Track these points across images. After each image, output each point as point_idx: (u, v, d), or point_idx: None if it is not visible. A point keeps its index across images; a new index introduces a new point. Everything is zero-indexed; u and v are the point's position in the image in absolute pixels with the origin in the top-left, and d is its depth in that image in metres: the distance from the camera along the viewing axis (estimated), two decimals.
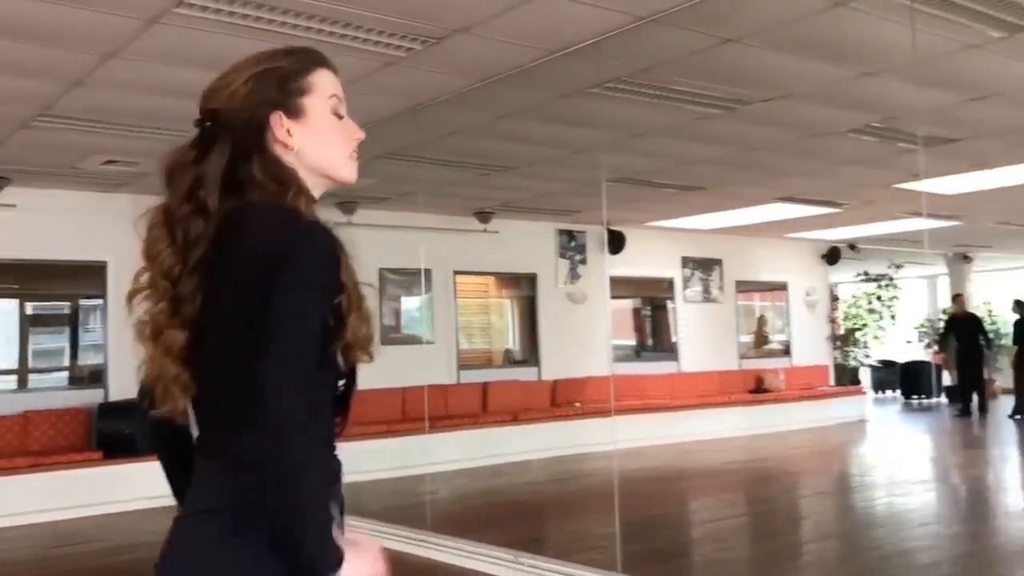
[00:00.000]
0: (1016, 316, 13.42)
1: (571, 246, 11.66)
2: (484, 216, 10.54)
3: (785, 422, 12.26)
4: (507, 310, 11.90)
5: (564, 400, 10.92)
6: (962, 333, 13.30)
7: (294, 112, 1.45)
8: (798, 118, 6.56)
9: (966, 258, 16.78)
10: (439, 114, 6.04)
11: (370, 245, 9.42)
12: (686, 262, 12.92)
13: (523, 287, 11.57)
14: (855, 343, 15.85)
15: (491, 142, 7.18)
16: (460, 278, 10.94)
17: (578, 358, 11.15)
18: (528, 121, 6.54)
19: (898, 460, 9.85)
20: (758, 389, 12.87)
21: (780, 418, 12.31)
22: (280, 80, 1.44)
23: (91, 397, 8.31)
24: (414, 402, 9.17)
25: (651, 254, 12.34)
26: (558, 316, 11.41)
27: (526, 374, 11.19)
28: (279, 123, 1.44)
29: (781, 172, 8.65)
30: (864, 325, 16.43)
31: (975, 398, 13.07)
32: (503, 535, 5.75)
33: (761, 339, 14.08)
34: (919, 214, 11.37)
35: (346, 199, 8.78)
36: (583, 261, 11.71)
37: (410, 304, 10.66)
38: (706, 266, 13.11)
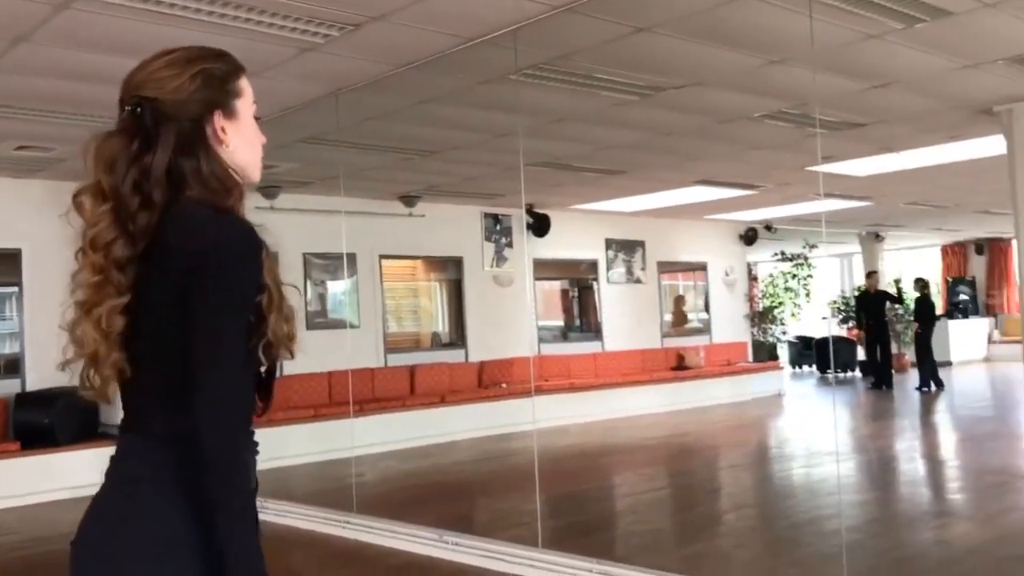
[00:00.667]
0: (917, 294, 14.03)
1: (497, 229, 11.77)
2: (409, 200, 10.57)
3: (705, 398, 12.63)
4: (435, 293, 11.97)
5: (491, 381, 11.06)
6: (873, 309, 13.85)
7: (229, 113, 1.53)
8: (711, 104, 6.76)
9: (878, 237, 17.44)
10: (360, 99, 6.06)
11: (294, 230, 9.47)
12: (610, 244, 13.15)
13: (450, 270, 11.65)
14: (772, 320, 16.34)
15: (412, 127, 7.23)
16: (388, 262, 10.96)
17: (504, 340, 11.29)
18: (449, 106, 6.60)
19: (811, 432, 10.25)
20: (679, 366, 13.21)
21: (701, 394, 12.66)
22: (220, 80, 1.52)
23: (7, 387, 8.13)
24: (340, 386, 9.21)
25: (576, 236, 12.53)
26: (485, 299, 11.53)
27: (453, 356, 11.29)
28: (219, 121, 1.51)
29: (698, 156, 8.88)
30: (781, 303, 16.94)
31: (885, 372, 13.65)
32: (429, 515, 5.87)
33: (680, 318, 14.42)
34: (832, 195, 11.82)
35: (269, 184, 8.73)
36: (509, 244, 11.83)
37: (336, 288, 10.64)
38: (629, 248, 13.37)
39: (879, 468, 7.99)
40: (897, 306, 15.37)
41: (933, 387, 13.16)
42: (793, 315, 17.32)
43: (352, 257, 10.13)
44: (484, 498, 7.36)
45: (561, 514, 5.86)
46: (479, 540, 5.05)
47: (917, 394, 13.09)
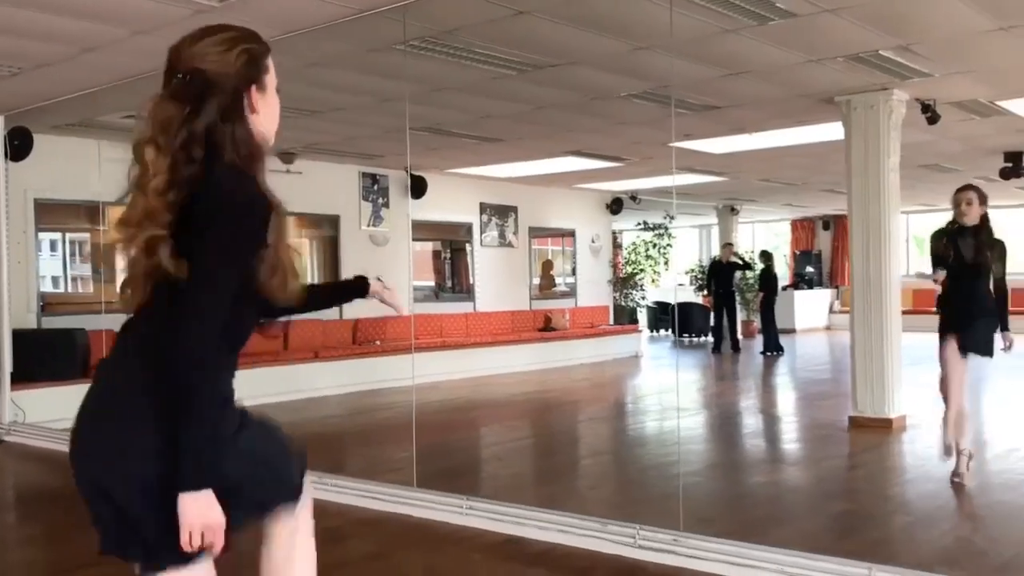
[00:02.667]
0: (761, 265, 15.10)
1: (375, 189, 11.99)
2: (287, 156, 10.65)
3: (570, 357, 13.32)
4: (312, 251, 12.10)
5: (365, 338, 11.35)
6: (723, 278, 14.85)
7: (261, 87, 1.82)
8: (583, 82, 7.23)
9: (733, 210, 18.53)
10: None
11: None
12: (484, 208, 13.57)
13: (326, 228, 11.80)
14: (634, 286, 17.19)
15: (300, 86, 7.38)
16: None
17: None
18: (336, 70, 6.82)
19: (661, 390, 11.05)
20: (546, 328, 13.84)
21: (565, 353, 13.35)
22: (258, 58, 1.82)
23: None
24: None
25: (451, 199, 12.88)
26: (361, 257, 11.75)
27: (328, 313, 11.49)
28: (254, 95, 1.80)
29: (570, 128, 9.37)
30: (642, 270, 17.83)
31: (729, 337, 14.69)
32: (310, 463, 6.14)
33: (549, 282, 15.04)
34: (694, 170, 12.59)
35: None
36: (386, 204, 12.07)
37: None
38: (502, 212, 13.83)
39: (719, 422, 8.78)
40: (748, 274, 16.49)
41: (775, 352, 14.27)
42: (653, 282, 18.27)
43: None
44: (361, 447, 7.71)
45: (434, 460, 6.29)
46: (358, 481, 5.41)
47: (761, 358, 14.18)
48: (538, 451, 7.65)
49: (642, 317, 18.25)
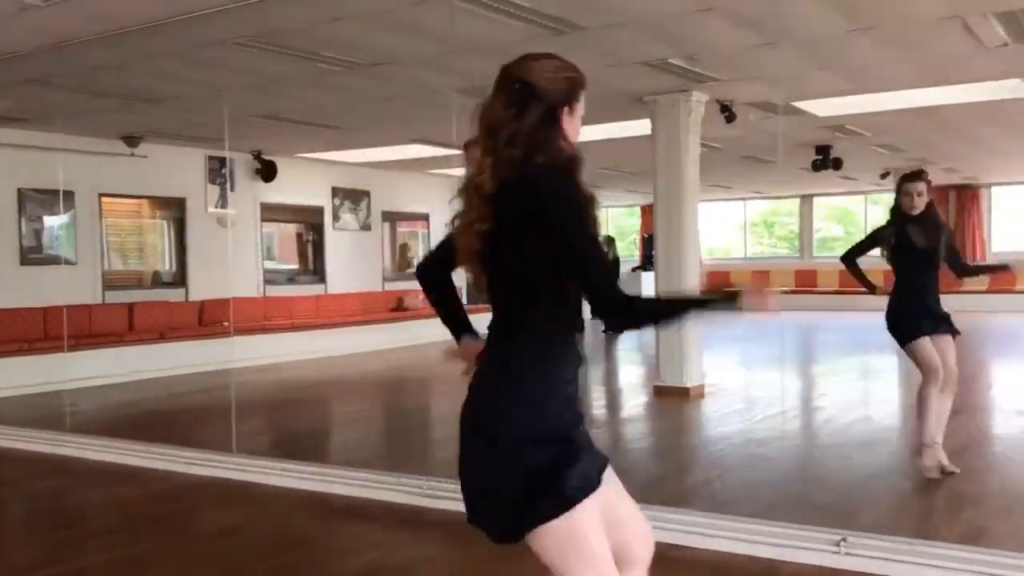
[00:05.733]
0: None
1: (221, 172, 12.18)
2: (132, 140, 10.76)
3: (421, 336, 13.73)
4: (160, 232, 12.20)
5: (211, 320, 11.57)
6: None
7: (572, 111, 2.15)
8: (410, 78, 7.75)
9: None
10: (83, 50, 6.43)
11: (8, 165, 9.52)
12: (336, 192, 13.92)
13: (173, 210, 11.93)
14: None
15: (137, 78, 7.62)
16: (110, 200, 11.11)
17: (229, 280, 11.79)
18: (170, 62, 7.11)
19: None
20: (399, 308, 14.32)
21: (418, 333, 13.76)
22: (577, 86, 2.15)
23: None
24: (55, 321, 9.42)
25: (303, 183, 13.19)
26: (207, 240, 11.94)
27: (174, 295, 11.68)
28: (566, 111, 2.13)
29: (407, 118, 9.85)
30: None
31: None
32: (140, 436, 6.50)
33: (405, 264, 15.52)
34: None
35: None
36: (232, 187, 12.28)
37: (52, 224, 10.65)
38: (355, 197, 14.21)
39: None
40: None
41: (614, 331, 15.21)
42: None
43: (70, 194, 10.24)
44: (196, 423, 8.06)
45: (259, 432, 6.74)
46: (182, 449, 5.83)
47: (603, 336, 15.08)
48: (366, 422, 8.19)
49: None
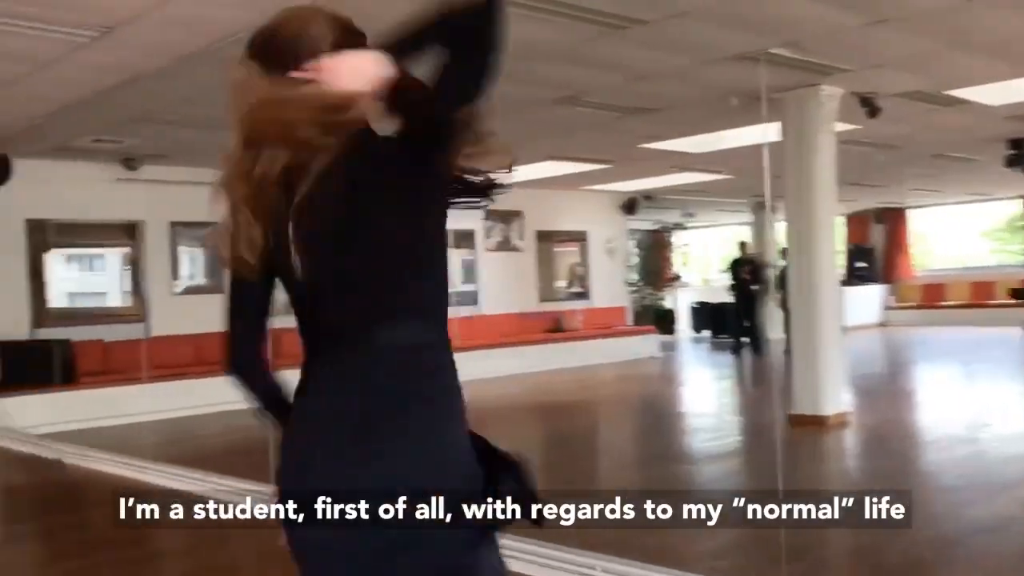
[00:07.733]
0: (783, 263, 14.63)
1: None
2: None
3: (580, 359, 13.16)
4: None
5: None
6: (741, 277, 14.53)
7: None
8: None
9: (762, 206, 18.08)
10: (157, 83, 6.55)
11: (159, 200, 9.80)
12: (487, 214, 13.73)
13: None
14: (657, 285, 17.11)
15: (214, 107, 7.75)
16: None
17: None
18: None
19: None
20: (556, 329, 13.90)
21: (576, 356, 13.26)
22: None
23: None
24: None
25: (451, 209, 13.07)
26: None
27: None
28: None
29: (534, 136, 9.32)
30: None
31: (752, 337, 14.31)
32: None
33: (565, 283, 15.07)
34: (687, 169, 12.47)
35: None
36: None
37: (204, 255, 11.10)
38: (507, 218, 13.97)
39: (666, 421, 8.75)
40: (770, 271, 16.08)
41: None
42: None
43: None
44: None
45: None
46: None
47: (784, 357, 13.72)
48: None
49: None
